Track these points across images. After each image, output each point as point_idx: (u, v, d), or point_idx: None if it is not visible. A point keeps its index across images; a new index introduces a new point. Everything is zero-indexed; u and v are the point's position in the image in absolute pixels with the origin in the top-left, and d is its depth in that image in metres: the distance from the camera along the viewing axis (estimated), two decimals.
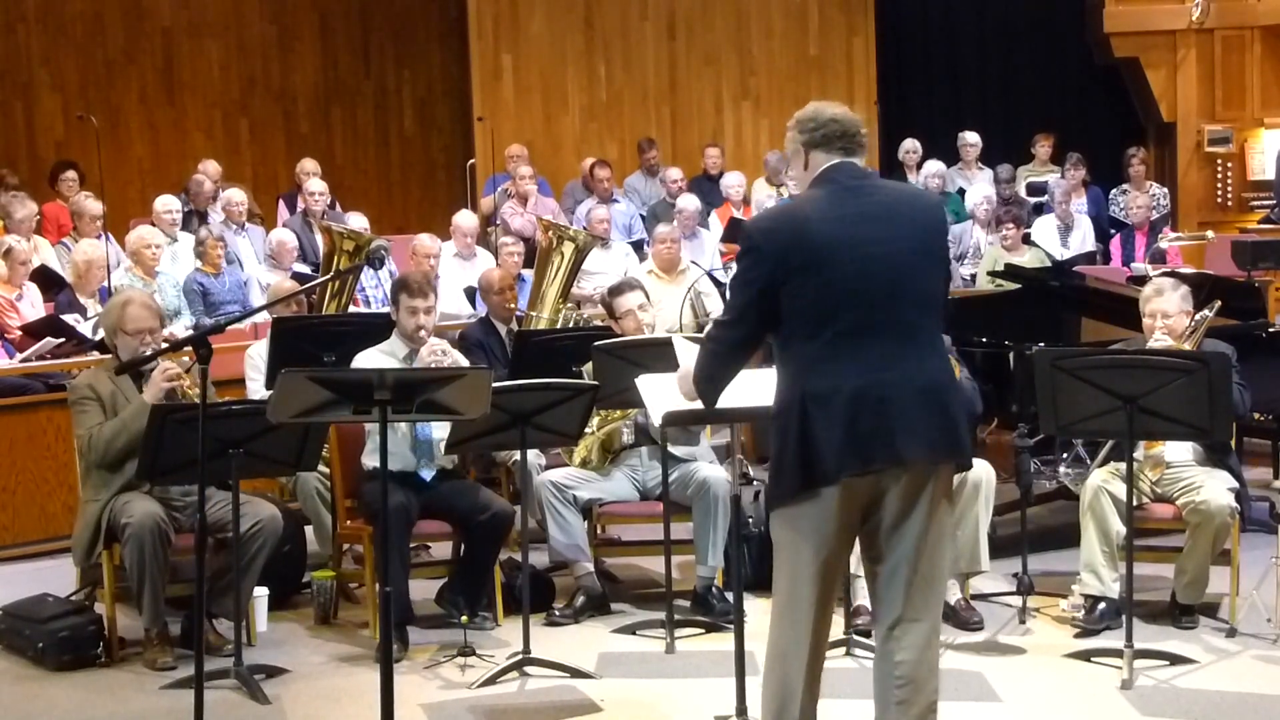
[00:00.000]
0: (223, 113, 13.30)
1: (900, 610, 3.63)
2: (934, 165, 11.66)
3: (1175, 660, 5.10)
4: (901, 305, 3.57)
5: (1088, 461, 7.25)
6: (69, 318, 7.97)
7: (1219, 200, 12.71)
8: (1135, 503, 5.19)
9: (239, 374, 6.88)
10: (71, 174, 10.79)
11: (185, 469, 5.05)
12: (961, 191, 11.66)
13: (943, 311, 3.71)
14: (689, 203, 10.61)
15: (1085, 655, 5.22)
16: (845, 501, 3.54)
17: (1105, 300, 7.17)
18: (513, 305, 7.50)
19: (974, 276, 10.14)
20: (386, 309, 6.11)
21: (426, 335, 5.70)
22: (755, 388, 3.89)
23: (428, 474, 5.69)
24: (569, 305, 8.20)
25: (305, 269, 9.51)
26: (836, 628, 4.31)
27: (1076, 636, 5.41)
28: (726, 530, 5.59)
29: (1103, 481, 5.42)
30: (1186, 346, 5.51)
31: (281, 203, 11.42)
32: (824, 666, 3.69)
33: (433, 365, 5.49)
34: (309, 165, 11.04)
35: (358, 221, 9.73)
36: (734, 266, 3.88)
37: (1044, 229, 10.86)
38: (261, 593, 5.73)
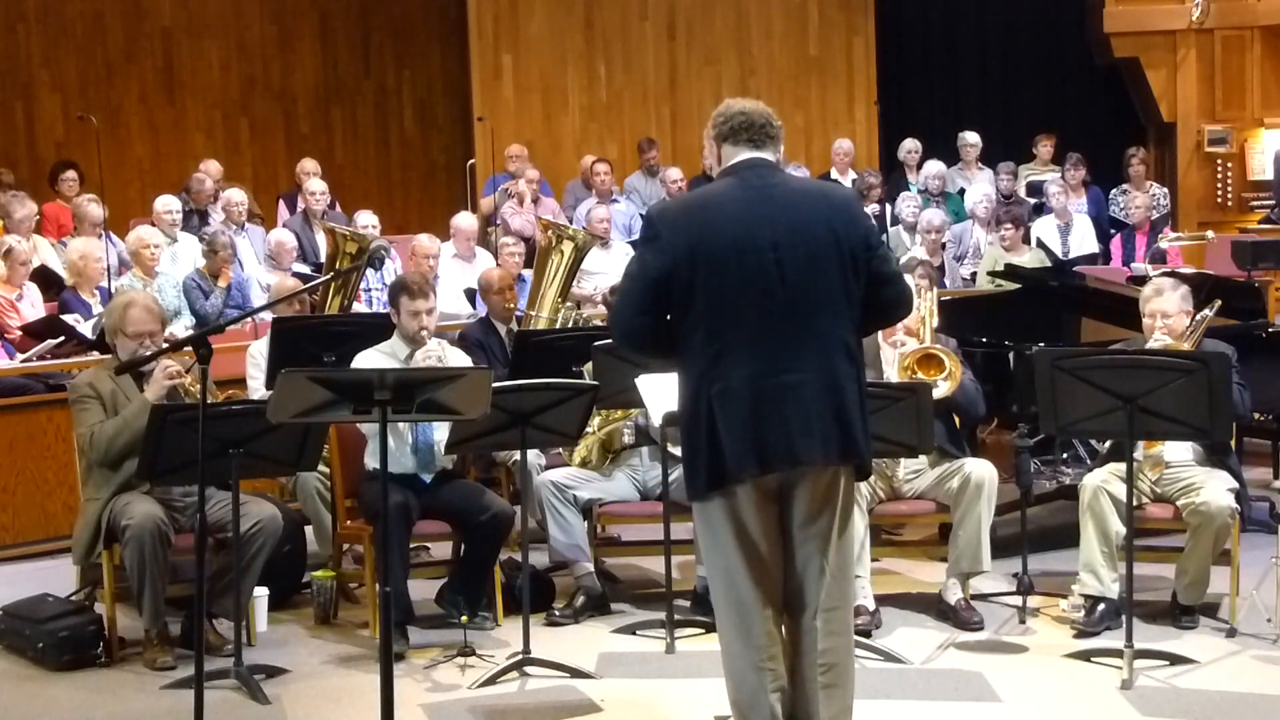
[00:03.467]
0: (223, 113, 13.30)
1: (818, 602, 3.73)
2: (934, 165, 11.67)
3: (1175, 660, 5.10)
4: (803, 307, 3.64)
5: (1088, 461, 7.25)
6: (71, 317, 7.97)
7: (1219, 200, 12.72)
8: (1135, 503, 5.19)
9: (239, 374, 6.88)
10: (71, 174, 10.78)
11: (185, 469, 5.05)
12: (961, 191, 11.67)
13: (846, 305, 3.74)
14: None
15: (1085, 655, 5.21)
16: (757, 498, 3.65)
17: (1105, 300, 7.17)
18: (512, 305, 7.49)
19: (974, 276, 10.14)
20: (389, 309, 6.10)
21: (428, 336, 5.69)
22: None
23: (427, 477, 5.70)
24: (568, 305, 8.20)
25: (305, 269, 9.51)
26: None
27: (1076, 636, 5.41)
28: None
29: (1102, 481, 5.42)
30: (1186, 346, 5.51)
31: (281, 203, 11.42)
32: (783, 662, 3.76)
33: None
34: (309, 165, 11.04)
35: (366, 219, 9.69)
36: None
37: (1044, 229, 10.85)
38: (261, 593, 5.73)
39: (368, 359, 5.65)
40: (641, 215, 11.40)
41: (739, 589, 3.71)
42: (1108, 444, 5.65)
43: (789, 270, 3.63)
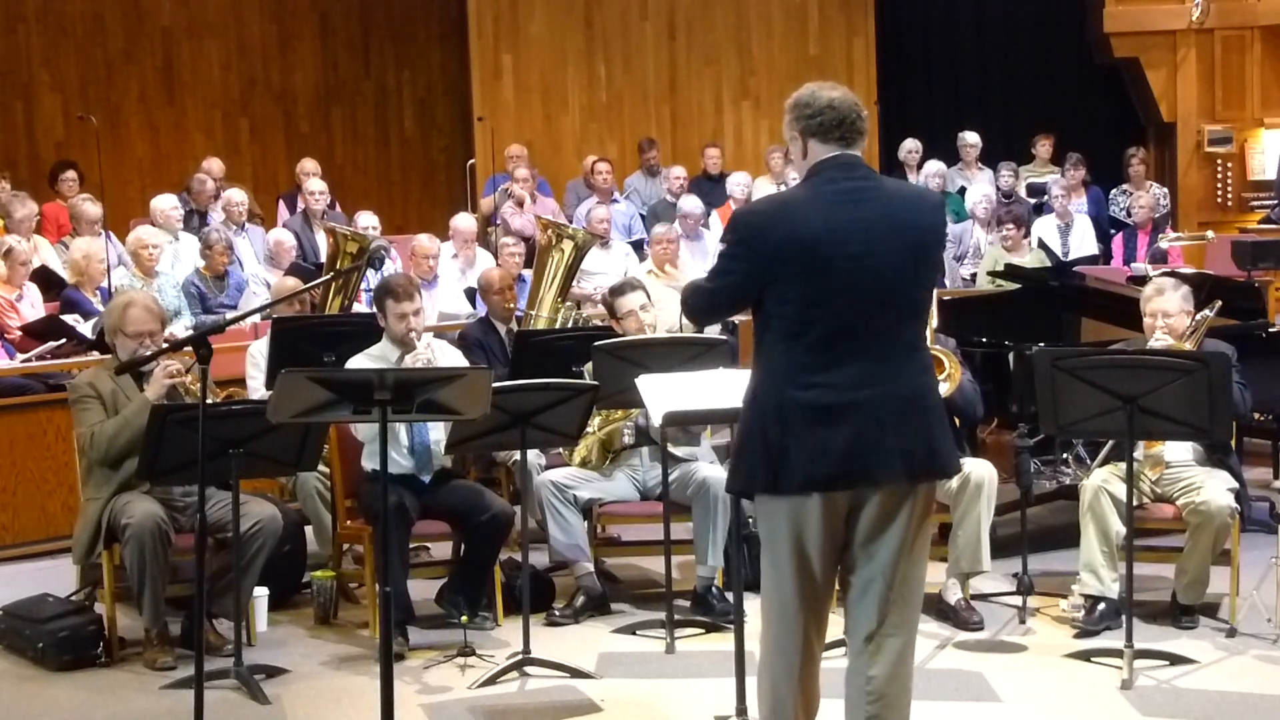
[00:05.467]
0: (223, 113, 13.30)
1: (874, 625, 3.58)
2: (935, 165, 11.65)
3: (1175, 660, 5.10)
4: (888, 315, 3.48)
5: (1088, 461, 7.25)
6: (71, 317, 7.97)
7: (1219, 200, 12.72)
8: (1135, 503, 5.19)
9: (239, 374, 6.88)
10: (71, 174, 10.79)
11: (185, 469, 5.05)
12: (962, 191, 11.67)
13: (927, 315, 3.64)
14: (692, 205, 10.62)
15: (1085, 655, 5.22)
16: (825, 511, 3.49)
17: (1105, 300, 7.17)
18: (512, 305, 7.49)
19: (974, 276, 10.14)
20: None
21: (417, 338, 5.66)
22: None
23: (426, 477, 5.69)
24: (568, 305, 8.20)
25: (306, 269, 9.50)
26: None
27: (1076, 636, 5.41)
28: (726, 530, 5.59)
29: (1103, 481, 5.42)
30: (1187, 346, 5.51)
31: (281, 203, 11.43)
32: (820, 668, 3.67)
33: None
34: (309, 165, 11.03)
35: (366, 220, 9.70)
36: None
37: (1044, 229, 10.86)
38: (261, 593, 5.73)
39: (358, 364, 5.62)
40: (642, 215, 11.44)
41: (784, 595, 3.58)
42: (1108, 444, 5.64)
43: (878, 280, 3.45)
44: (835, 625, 3.76)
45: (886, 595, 3.56)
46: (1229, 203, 12.69)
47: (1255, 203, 12.53)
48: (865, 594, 3.58)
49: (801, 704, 3.64)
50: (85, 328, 7.89)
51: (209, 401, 4.71)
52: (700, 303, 3.75)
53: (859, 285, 3.44)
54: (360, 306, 8.36)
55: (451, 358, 5.90)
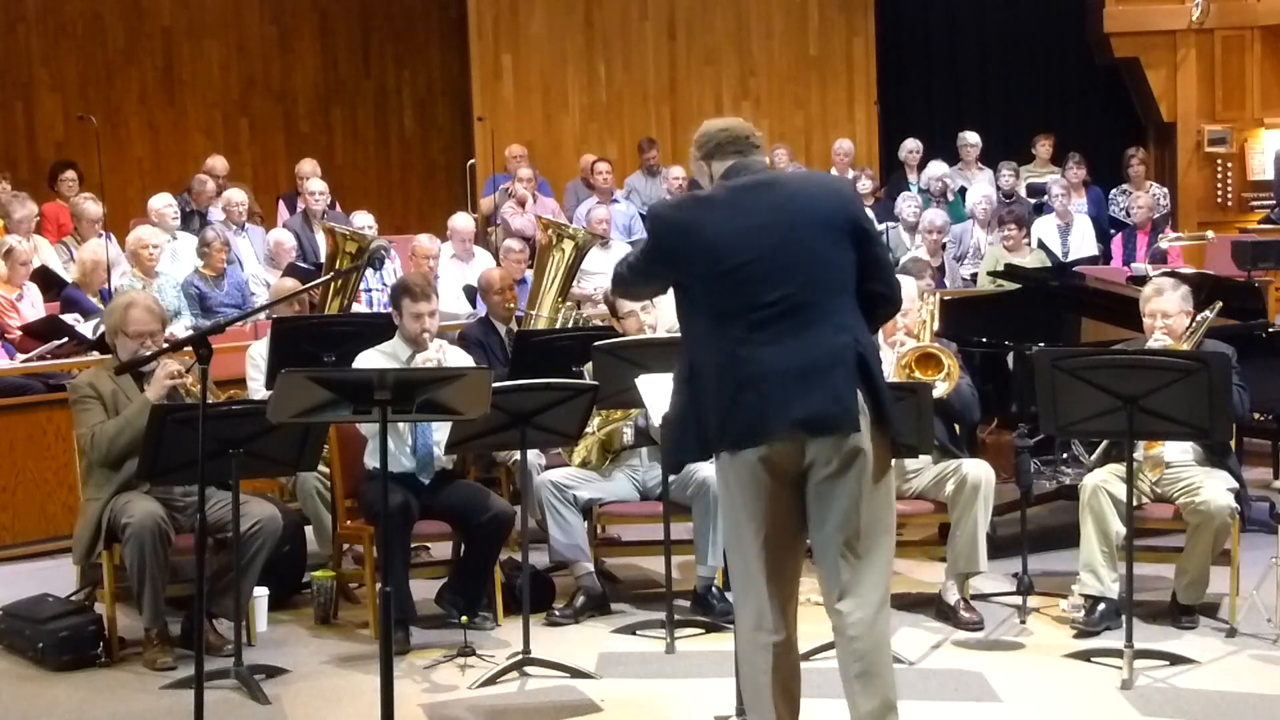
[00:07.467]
0: (223, 113, 13.30)
1: (840, 584, 3.76)
2: (938, 167, 11.65)
3: (1175, 660, 5.10)
4: (795, 285, 3.70)
5: (1087, 461, 7.25)
6: (70, 316, 7.97)
7: (1219, 200, 12.72)
8: (1135, 503, 5.19)
9: (239, 374, 6.88)
10: (71, 174, 10.79)
11: (185, 469, 5.05)
12: (962, 191, 11.67)
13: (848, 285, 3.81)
14: None
15: (1085, 655, 5.22)
16: (768, 470, 3.69)
17: (1105, 300, 7.17)
18: (512, 305, 7.49)
19: (974, 276, 10.14)
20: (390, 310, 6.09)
21: (431, 338, 5.68)
22: None
23: (425, 479, 5.69)
24: (568, 305, 8.20)
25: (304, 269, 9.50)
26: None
27: (1076, 636, 5.41)
28: None
29: (1102, 481, 5.42)
30: (1186, 347, 5.51)
31: (281, 203, 11.43)
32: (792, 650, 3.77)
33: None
34: (308, 165, 11.03)
35: (362, 219, 9.71)
36: None
37: (1044, 229, 10.87)
38: (261, 593, 5.73)
39: (368, 360, 5.65)
40: (642, 215, 11.44)
41: (745, 555, 3.79)
42: (1101, 445, 5.65)
43: (780, 255, 3.71)
44: (825, 624, 3.81)
45: (844, 554, 3.73)
46: (1229, 203, 12.70)
47: (1255, 203, 12.54)
48: (824, 555, 3.78)
49: (780, 688, 3.76)
50: (85, 327, 7.89)
51: (209, 401, 4.72)
52: (626, 277, 4.06)
53: (760, 262, 3.70)
54: (360, 307, 8.37)
55: (460, 361, 5.89)
